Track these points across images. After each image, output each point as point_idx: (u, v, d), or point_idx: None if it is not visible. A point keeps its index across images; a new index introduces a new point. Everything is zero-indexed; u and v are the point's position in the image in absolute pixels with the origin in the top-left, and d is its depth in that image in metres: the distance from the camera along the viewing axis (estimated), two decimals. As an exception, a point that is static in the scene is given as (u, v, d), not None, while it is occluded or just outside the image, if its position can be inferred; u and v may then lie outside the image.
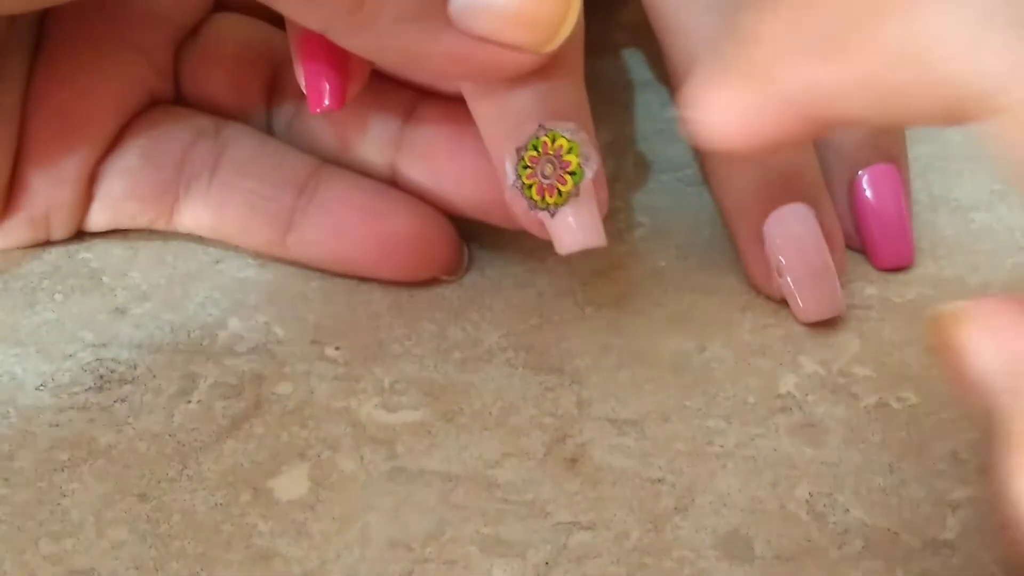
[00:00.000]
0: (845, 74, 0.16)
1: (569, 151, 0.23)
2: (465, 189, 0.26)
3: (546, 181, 0.23)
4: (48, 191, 0.27)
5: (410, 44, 0.21)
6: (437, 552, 0.21)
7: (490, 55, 0.21)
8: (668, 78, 0.30)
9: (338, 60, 0.25)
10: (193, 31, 0.28)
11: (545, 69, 0.22)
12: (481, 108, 0.24)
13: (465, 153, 0.26)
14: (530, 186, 0.23)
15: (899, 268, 0.28)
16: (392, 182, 0.27)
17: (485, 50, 0.21)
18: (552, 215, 0.23)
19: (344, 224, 0.26)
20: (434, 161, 0.26)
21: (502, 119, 0.23)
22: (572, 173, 0.23)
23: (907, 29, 0.15)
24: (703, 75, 0.18)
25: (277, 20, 0.29)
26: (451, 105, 0.27)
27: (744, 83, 0.17)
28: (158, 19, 0.28)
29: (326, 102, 0.25)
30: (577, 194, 0.23)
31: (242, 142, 0.27)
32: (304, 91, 0.25)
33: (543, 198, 0.23)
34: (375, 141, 0.27)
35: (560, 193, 0.23)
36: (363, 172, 0.27)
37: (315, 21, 0.21)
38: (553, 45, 0.22)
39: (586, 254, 0.23)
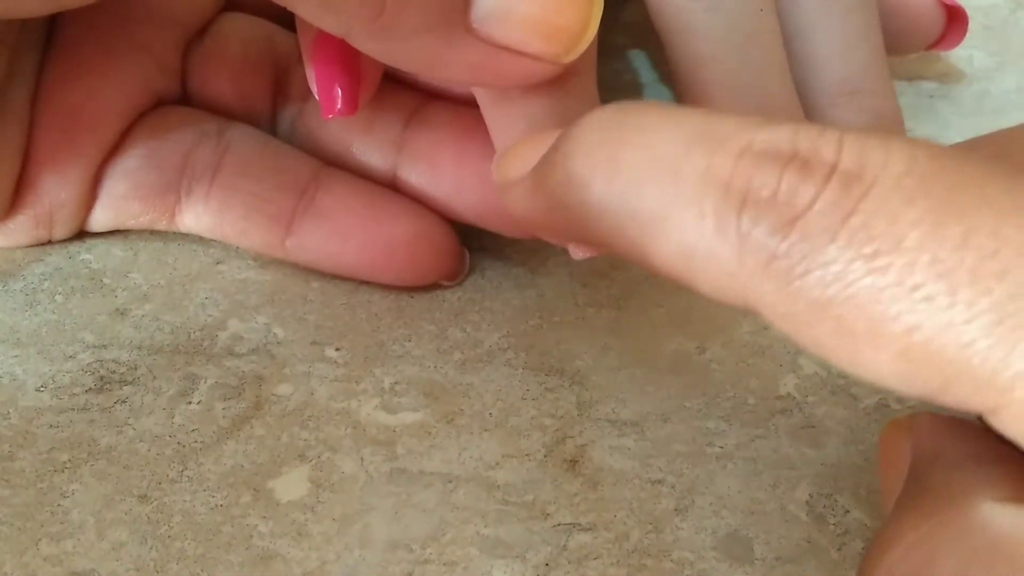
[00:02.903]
0: (632, 258, 0.18)
1: None
2: (467, 194, 0.26)
3: None
4: (53, 190, 0.27)
5: (429, 50, 0.21)
6: (437, 553, 0.21)
7: (509, 64, 0.21)
8: (670, 79, 0.30)
9: (350, 65, 0.25)
10: (201, 31, 0.29)
11: (560, 75, 0.22)
12: (494, 113, 0.24)
13: (468, 159, 0.26)
14: None
15: None
16: (393, 185, 0.27)
17: (505, 59, 0.21)
18: None
19: (343, 229, 0.26)
20: (436, 165, 0.26)
21: (515, 125, 0.23)
22: None
23: (680, 249, 0.16)
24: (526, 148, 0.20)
25: (285, 20, 0.29)
26: (455, 109, 0.27)
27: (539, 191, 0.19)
28: (167, 20, 0.28)
29: (338, 107, 0.25)
30: None
31: (244, 144, 0.27)
32: (316, 96, 0.25)
33: None
34: (377, 143, 0.27)
35: None
36: (365, 174, 0.27)
37: (334, 25, 0.21)
38: (573, 55, 0.21)
39: (586, 255, 0.23)
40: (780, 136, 0.16)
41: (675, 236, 0.16)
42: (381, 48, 0.22)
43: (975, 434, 0.17)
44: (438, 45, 0.21)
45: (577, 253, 0.23)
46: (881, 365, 0.15)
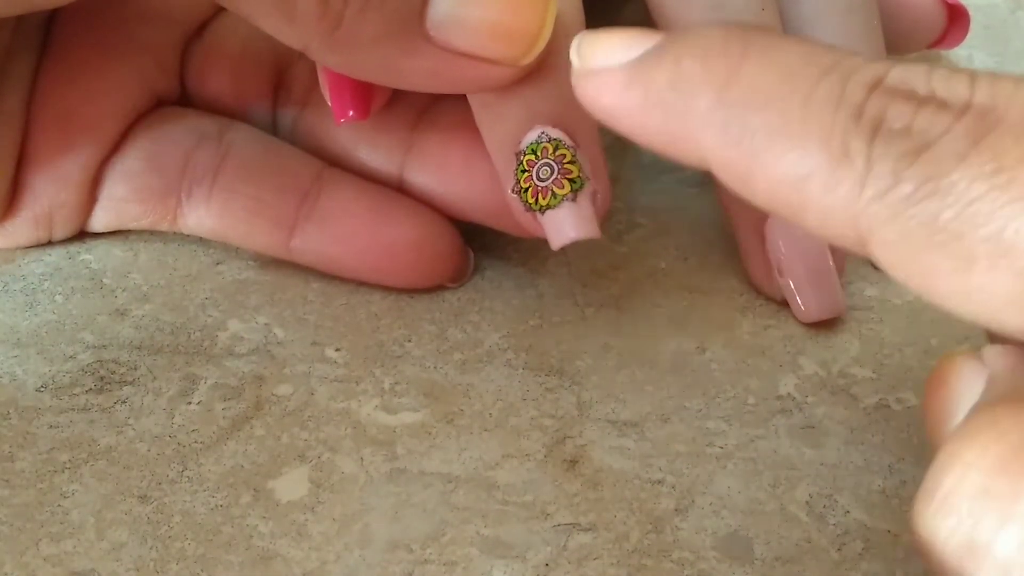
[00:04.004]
0: (731, 175, 0.17)
1: (572, 162, 0.23)
2: (476, 194, 0.26)
3: (541, 184, 0.23)
4: (52, 192, 0.27)
5: (389, 60, 0.21)
6: (437, 553, 0.21)
7: (468, 69, 0.21)
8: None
9: None
10: (200, 30, 0.28)
11: (540, 72, 0.22)
12: (479, 113, 0.24)
13: (478, 158, 0.26)
14: (526, 189, 0.23)
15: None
16: (399, 185, 0.27)
17: (463, 64, 0.21)
18: (543, 213, 0.23)
19: (347, 232, 0.26)
20: (445, 166, 0.26)
21: (498, 123, 0.23)
22: (572, 180, 0.23)
23: (796, 171, 0.16)
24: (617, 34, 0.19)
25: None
26: (462, 109, 0.27)
27: (650, 88, 0.18)
28: (166, 19, 0.28)
29: (350, 112, 0.25)
30: (574, 199, 0.23)
31: (245, 145, 0.27)
32: (328, 101, 0.25)
33: (536, 201, 0.23)
34: (384, 144, 0.27)
35: (555, 195, 0.23)
36: (369, 174, 0.27)
37: (294, 39, 0.21)
38: (530, 57, 0.22)
39: (586, 255, 0.23)
40: (916, 75, 0.16)
41: (792, 157, 0.16)
42: (341, 60, 0.22)
43: None
44: (397, 54, 0.21)
45: (555, 242, 0.23)
46: (996, 291, 0.14)
